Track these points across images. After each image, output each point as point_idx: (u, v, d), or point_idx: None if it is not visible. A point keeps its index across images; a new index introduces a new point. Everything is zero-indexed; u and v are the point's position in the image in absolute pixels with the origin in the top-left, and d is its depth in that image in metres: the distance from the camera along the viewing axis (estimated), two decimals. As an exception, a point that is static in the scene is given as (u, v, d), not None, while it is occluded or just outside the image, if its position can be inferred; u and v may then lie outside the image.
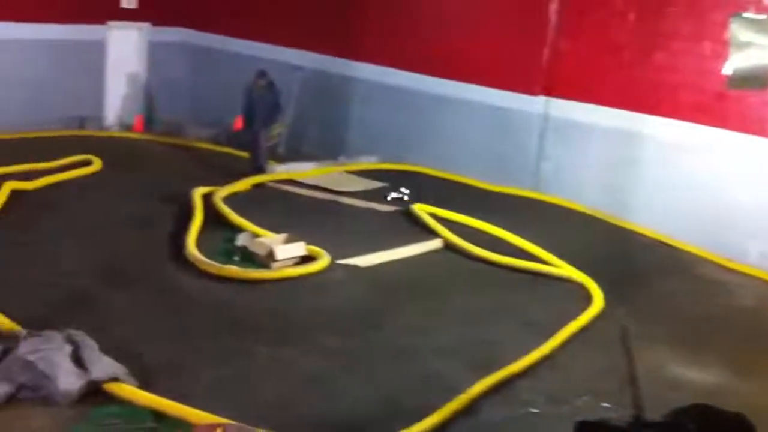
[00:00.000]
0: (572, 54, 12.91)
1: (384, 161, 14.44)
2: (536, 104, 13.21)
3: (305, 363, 7.43)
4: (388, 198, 12.57)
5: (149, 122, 16.22)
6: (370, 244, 10.34)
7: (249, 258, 9.62)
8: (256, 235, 10.13)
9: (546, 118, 13.17)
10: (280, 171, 13.42)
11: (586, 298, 9.38)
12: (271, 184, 12.93)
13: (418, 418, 6.44)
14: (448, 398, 6.76)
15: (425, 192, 12.71)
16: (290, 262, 9.59)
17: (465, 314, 8.87)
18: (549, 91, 13.13)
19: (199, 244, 9.78)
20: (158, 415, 6.26)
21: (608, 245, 11.51)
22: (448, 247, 10.74)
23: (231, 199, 11.59)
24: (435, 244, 10.81)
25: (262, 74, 13.17)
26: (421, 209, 11.79)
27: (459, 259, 10.48)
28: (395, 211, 12.13)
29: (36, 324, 7.07)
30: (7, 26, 14.09)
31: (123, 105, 16.36)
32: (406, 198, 12.50)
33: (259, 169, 13.17)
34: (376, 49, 14.77)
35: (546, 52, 13.08)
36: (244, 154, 13.79)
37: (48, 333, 6.73)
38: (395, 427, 6.28)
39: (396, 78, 14.52)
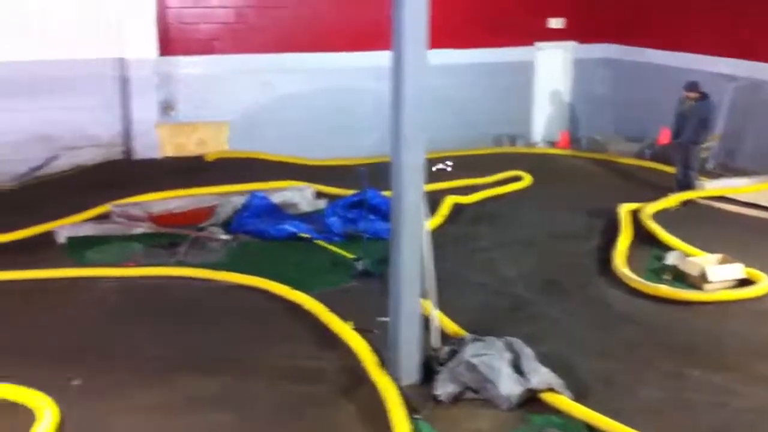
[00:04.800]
0: None
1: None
2: None
3: (744, 392, 7.02)
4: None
5: (574, 138, 16.56)
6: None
7: (680, 278, 9.36)
8: (687, 255, 9.81)
9: None
10: (710, 187, 12.81)
11: None
12: (701, 201, 12.42)
13: None
14: None
15: None
16: (725, 285, 9.12)
17: None
18: None
19: (627, 261, 9.78)
20: (592, 429, 6.39)
21: None
22: None
23: (659, 216, 11.38)
24: None
25: (692, 86, 12.69)
26: None
27: None
28: None
29: (479, 329, 7.66)
30: (447, 53, 15.37)
31: (549, 122, 16.92)
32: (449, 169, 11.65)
33: (688, 186, 12.71)
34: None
35: None
36: (671, 170, 13.41)
37: (490, 339, 7.24)
38: None
39: None
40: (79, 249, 10.27)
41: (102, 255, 10.11)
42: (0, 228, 10.51)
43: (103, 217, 11.10)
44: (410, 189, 6.89)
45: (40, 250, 10.17)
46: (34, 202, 11.70)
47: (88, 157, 12.97)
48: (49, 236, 10.57)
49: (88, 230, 10.72)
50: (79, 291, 9.10)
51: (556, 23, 16.60)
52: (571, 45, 16.83)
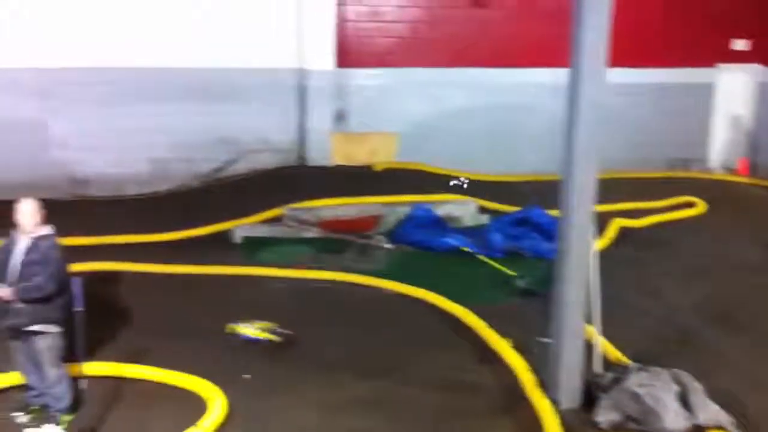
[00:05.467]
0: None
1: None
2: None
3: None
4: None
5: (754, 165, 15.69)
6: None
7: None
8: None
9: None
10: None
11: None
12: None
13: None
14: None
15: None
16: None
17: None
18: None
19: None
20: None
21: None
22: None
23: None
24: None
25: None
26: None
27: None
28: None
29: (643, 358, 7.42)
30: (623, 71, 14.95)
31: (727, 147, 16.13)
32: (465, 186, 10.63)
33: None
34: None
35: None
36: None
37: (655, 369, 7.00)
38: None
39: None
40: (252, 249, 10.79)
41: (273, 256, 10.57)
42: (182, 225, 11.22)
43: (276, 220, 11.60)
44: (580, 209, 6.80)
45: (218, 248, 10.76)
46: (214, 202, 12.40)
47: (264, 161, 13.60)
48: (226, 235, 11.18)
49: (262, 231, 11.25)
50: (254, 289, 9.55)
51: (740, 44, 15.82)
52: (756, 68, 15.98)
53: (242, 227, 11.28)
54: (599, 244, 9.64)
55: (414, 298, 9.34)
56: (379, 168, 13.88)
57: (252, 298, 9.24)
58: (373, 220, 11.51)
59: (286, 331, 8.11)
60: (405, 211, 11.64)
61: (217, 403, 6.84)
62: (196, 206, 12.24)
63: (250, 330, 8.12)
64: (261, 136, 13.62)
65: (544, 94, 13.67)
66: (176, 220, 11.43)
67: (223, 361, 7.67)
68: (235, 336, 8.09)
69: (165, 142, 13.07)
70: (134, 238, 10.84)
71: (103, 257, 9.83)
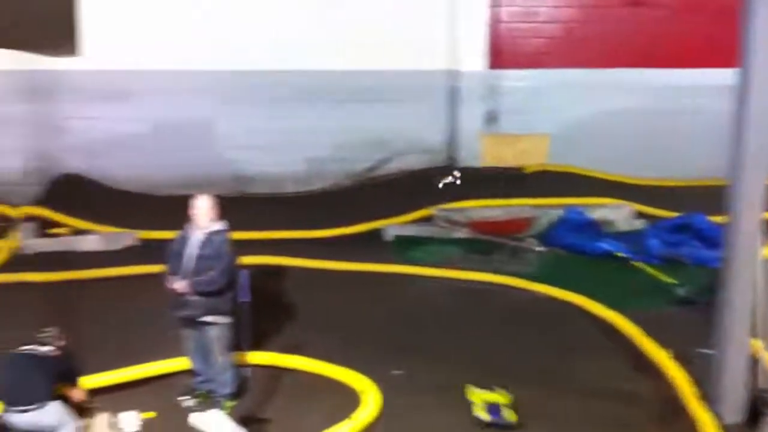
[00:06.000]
0: None
1: None
2: None
3: None
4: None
5: None
6: None
7: None
8: None
9: None
10: None
11: None
12: None
13: None
14: None
15: None
16: None
17: None
18: None
19: None
20: None
21: None
22: None
23: None
24: None
25: None
26: None
27: None
28: None
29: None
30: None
31: None
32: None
33: None
34: None
35: None
36: None
37: None
38: None
39: None
40: (403, 247, 10.97)
41: (423, 255, 10.70)
42: (335, 222, 11.54)
43: (426, 220, 11.72)
44: (747, 215, 6.52)
45: (370, 245, 11.00)
46: (366, 201, 12.67)
47: (415, 161, 13.76)
48: (377, 233, 11.41)
49: (413, 231, 11.41)
50: (406, 287, 9.71)
51: None
52: None
53: (394, 226, 11.48)
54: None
55: (566, 302, 9.21)
56: (529, 170, 13.76)
57: (404, 296, 9.40)
58: (524, 223, 11.44)
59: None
60: (557, 213, 11.49)
61: (370, 396, 7.00)
62: (349, 204, 12.54)
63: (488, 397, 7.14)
64: (412, 136, 13.78)
65: (707, 95, 13.08)
66: (330, 217, 11.77)
67: (375, 356, 7.83)
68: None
69: (321, 142, 13.46)
70: (291, 234, 11.24)
71: (262, 251, 10.22)
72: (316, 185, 13.52)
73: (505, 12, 14.09)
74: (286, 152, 13.34)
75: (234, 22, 12.94)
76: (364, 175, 13.68)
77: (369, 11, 13.33)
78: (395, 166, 13.77)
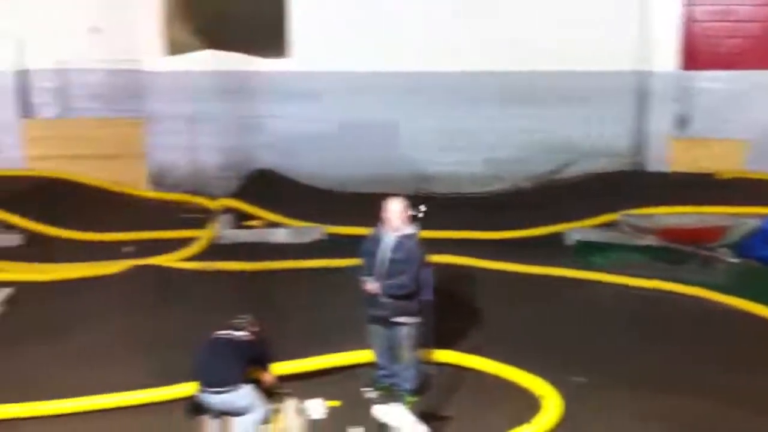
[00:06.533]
0: None
1: None
2: None
3: None
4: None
5: None
6: None
7: None
8: None
9: None
10: None
11: None
12: None
13: None
14: None
15: None
16: None
17: None
18: None
19: None
20: None
21: None
22: None
23: None
24: None
25: None
26: None
27: None
28: None
29: None
30: None
31: None
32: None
33: None
34: None
35: None
36: None
37: None
38: None
39: None
40: (585, 252, 10.73)
41: (606, 261, 10.42)
42: (514, 224, 11.48)
43: (609, 225, 11.42)
44: None
45: (550, 249, 10.85)
46: (546, 203, 12.50)
47: (599, 165, 13.42)
48: (558, 236, 11.24)
49: (596, 235, 11.15)
50: (587, 292, 9.53)
51: None
52: None
53: (576, 230, 11.27)
54: None
55: (757, 315, 8.77)
56: (723, 176, 13.08)
57: (586, 302, 9.22)
58: (718, 231, 10.89)
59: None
60: (753, 223, 10.86)
61: (551, 402, 6.93)
62: (528, 207, 12.43)
63: None
64: (596, 139, 13.47)
65: None
66: (509, 219, 11.72)
67: (556, 361, 7.71)
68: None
69: (501, 144, 13.42)
70: (471, 234, 11.27)
71: (442, 251, 10.28)
72: (495, 186, 13.51)
73: (699, 11, 13.51)
74: (465, 152, 13.42)
75: (418, 26, 13.16)
76: (547, 178, 13.51)
77: (559, 12, 13.12)
78: (579, 168, 13.51)
